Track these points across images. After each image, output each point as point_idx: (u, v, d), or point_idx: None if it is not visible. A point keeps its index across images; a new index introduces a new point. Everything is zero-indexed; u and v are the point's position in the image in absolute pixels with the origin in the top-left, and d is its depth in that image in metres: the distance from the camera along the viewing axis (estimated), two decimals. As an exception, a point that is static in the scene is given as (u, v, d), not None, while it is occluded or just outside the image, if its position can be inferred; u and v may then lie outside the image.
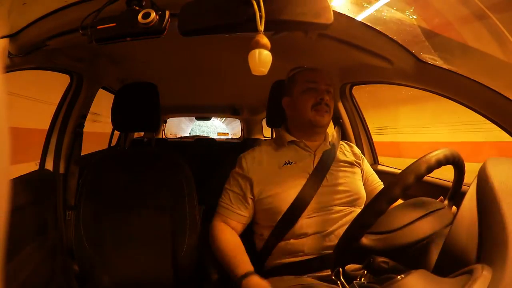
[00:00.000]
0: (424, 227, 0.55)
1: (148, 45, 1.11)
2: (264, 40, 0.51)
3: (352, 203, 0.88)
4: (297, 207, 0.83)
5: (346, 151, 1.01)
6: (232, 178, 0.92)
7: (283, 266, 0.84)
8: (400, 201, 0.68)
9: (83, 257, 0.99)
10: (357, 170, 0.97)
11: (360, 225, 0.54)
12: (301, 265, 0.81)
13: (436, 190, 0.98)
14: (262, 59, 0.51)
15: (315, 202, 0.84)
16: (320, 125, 0.92)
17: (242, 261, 0.79)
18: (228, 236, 0.86)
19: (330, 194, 0.86)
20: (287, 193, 0.85)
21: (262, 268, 0.88)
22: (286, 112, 0.99)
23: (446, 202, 0.66)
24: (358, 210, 0.87)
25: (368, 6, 0.81)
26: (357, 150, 1.04)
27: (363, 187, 0.94)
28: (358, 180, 0.95)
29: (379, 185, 1.00)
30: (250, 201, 0.88)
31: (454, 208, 0.65)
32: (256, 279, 0.74)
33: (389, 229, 0.55)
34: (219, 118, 7.22)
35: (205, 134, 6.30)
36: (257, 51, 0.51)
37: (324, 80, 0.93)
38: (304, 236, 0.83)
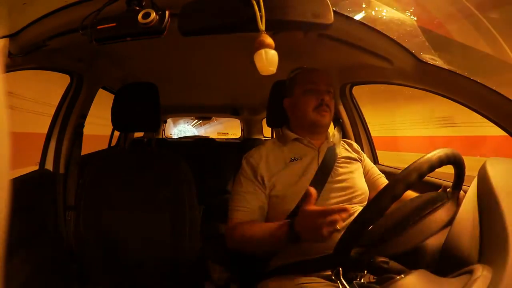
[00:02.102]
0: (416, 235, 0.55)
1: (148, 45, 1.11)
2: (269, 39, 0.51)
3: (356, 199, 0.88)
4: None
5: (347, 148, 1.02)
6: (244, 179, 0.90)
7: (288, 265, 0.84)
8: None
9: (83, 257, 0.99)
10: (359, 166, 0.98)
11: (362, 221, 0.54)
12: (306, 265, 0.81)
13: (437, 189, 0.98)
14: (269, 58, 0.51)
15: (322, 199, 0.84)
16: (321, 125, 0.93)
17: (275, 224, 0.75)
18: (249, 222, 0.84)
19: (336, 190, 0.87)
20: (295, 190, 0.85)
21: (266, 268, 0.88)
22: (288, 113, 0.99)
23: (450, 191, 0.66)
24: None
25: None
26: (356, 146, 1.05)
27: (365, 183, 0.94)
28: (361, 176, 0.96)
29: (380, 177, 1.01)
30: (266, 196, 0.87)
31: (462, 193, 0.65)
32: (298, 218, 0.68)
33: (379, 240, 0.56)
34: (187, 122, 8.69)
35: (182, 134, 7.39)
36: (263, 51, 0.51)
37: (324, 81, 0.93)
38: None
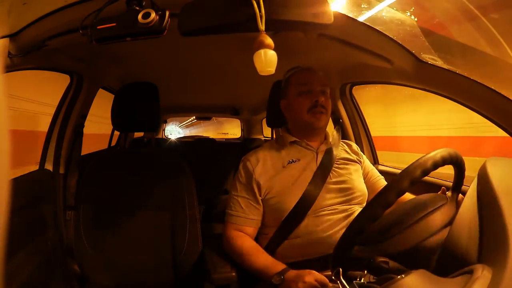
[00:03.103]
0: (416, 234, 0.55)
1: (148, 45, 1.10)
2: (268, 40, 0.51)
3: (355, 200, 0.88)
4: (303, 205, 0.84)
5: (346, 149, 1.02)
6: (238, 183, 0.92)
7: (288, 265, 0.84)
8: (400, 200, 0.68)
9: (83, 257, 0.99)
10: (358, 167, 0.98)
11: (366, 218, 0.54)
12: (304, 265, 0.81)
13: (436, 190, 0.98)
14: (268, 59, 0.51)
15: (320, 200, 0.84)
16: (317, 127, 0.93)
17: (273, 261, 0.81)
18: (249, 243, 0.86)
19: (335, 191, 0.87)
20: (293, 192, 0.85)
21: None
22: (285, 114, 0.99)
23: (449, 194, 0.66)
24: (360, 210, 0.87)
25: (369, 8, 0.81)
26: (355, 146, 1.05)
27: (364, 185, 0.94)
28: (360, 178, 0.95)
29: (379, 179, 1.01)
30: (260, 203, 0.88)
31: (460, 196, 0.65)
32: (294, 271, 0.75)
33: (380, 239, 0.56)
34: (174, 124, 9.39)
35: (168, 134, 7.85)
36: (262, 51, 0.51)
37: (318, 81, 0.93)
38: (308, 235, 0.83)
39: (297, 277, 0.71)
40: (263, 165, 0.90)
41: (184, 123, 9.55)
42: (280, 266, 0.78)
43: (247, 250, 0.84)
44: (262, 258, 0.82)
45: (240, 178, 0.92)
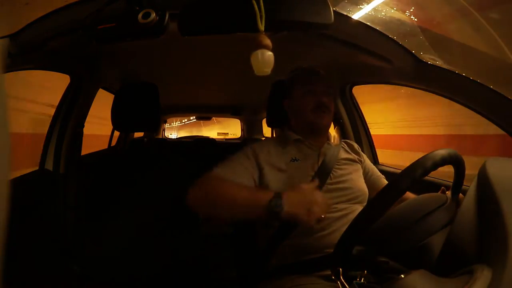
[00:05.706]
0: (416, 234, 0.55)
1: (148, 45, 1.10)
2: (266, 41, 0.51)
3: (355, 200, 0.88)
4: None
5: (347, 149, 1.02)
6: (241, 154, 0.87)
7: (288, 265, 0.84)
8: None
9: (83, 257, 0.99)
10: (359, 167, 0.98)
11: (366, 218, 0.54)
12: (304, 265, 0.81)
13: (436, 190, 0.98)
14: (265, 60, 0.51)
15: None
16: (320, 127, 0.93)
17: (260, 189, 0.72)
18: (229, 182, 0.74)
19: (335, 191, 0.87)
20: None
21: (264, 269, 0.88)
22: (288, 114, 0.99)
23: (449, 193, 0.66)
24: (361, 208, 0.87)
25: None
26: (356, 146, 1.05)
27: (365, 184, 0.94)
28: (360, 177, 0.96)
29: (380, 178, 1.02)
30: (253, 183, 0.83)
31: (461, 195, 0.65)
32: (291, 192, 0.65)
33: (380, 239, 0.56)
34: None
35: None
36: (259, 52, 0.51)
37: (323, 82, 0.93)
38: (308, 235, 0.83)
39: (300, 196, 0.61)
40: (268, 155, 0.88)
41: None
42: (270, 192, 0.65)
43: (225, 182, 0.73)
44: (245, 189, 0.72)
45: (244, 151, 0.88)
